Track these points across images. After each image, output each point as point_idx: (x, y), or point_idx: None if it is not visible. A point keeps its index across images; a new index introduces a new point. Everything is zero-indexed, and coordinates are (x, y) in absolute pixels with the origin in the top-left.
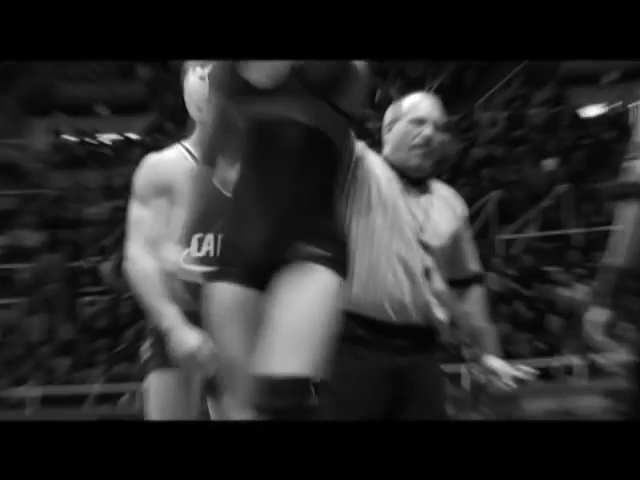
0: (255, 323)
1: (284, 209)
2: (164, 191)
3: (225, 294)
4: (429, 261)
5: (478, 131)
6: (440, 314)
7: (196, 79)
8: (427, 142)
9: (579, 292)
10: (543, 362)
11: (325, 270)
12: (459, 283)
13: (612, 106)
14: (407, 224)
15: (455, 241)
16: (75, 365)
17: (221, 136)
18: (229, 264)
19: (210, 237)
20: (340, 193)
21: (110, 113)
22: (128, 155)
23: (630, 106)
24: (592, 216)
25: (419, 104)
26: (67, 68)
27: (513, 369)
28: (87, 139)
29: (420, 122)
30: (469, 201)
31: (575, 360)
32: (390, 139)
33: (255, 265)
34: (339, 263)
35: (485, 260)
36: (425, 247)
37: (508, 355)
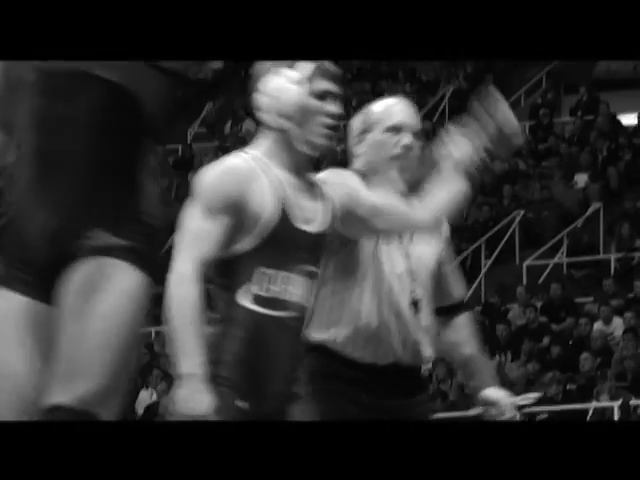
0: (44, 343)
1: (73, 185)
2: (234, 208)
3: (8, 304)
4: (418, 291)
5: None
6: (429, 352)
7: (287, 83)
8: (407, 152)
9: (616, 327)
10: (575, 407)
11: (126, 266)
12: (445, 311)
13: None
14: (391, 252)
15: (440, 265)
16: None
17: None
18: (13, 265)
19: None
20: (148, 164)
21: None
22: None
23: None
24: (631, 239)
25: (393, 110)
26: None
27: (514, 398)
28: None
29: (397, 130)
30: (488, 222)
31: (611, 404)
32: (362, 151)
33: (41, 265)
34: (144, 254)
35: (509, 290)
36: (412, 275)
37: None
